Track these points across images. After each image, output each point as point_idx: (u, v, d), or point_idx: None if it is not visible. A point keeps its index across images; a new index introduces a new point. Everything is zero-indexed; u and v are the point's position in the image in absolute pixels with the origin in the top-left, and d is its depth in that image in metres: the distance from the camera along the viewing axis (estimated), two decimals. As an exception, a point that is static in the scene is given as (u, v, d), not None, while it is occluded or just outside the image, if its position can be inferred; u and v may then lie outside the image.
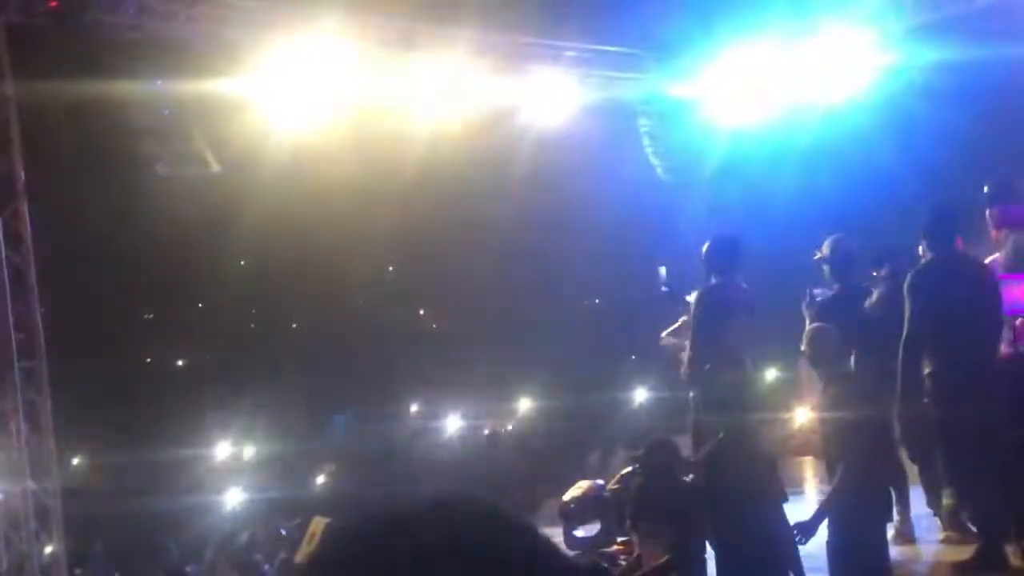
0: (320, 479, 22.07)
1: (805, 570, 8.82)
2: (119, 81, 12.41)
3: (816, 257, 10.71)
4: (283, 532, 15.37)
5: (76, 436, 18.89)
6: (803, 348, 9.56)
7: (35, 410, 12.30)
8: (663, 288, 12.23)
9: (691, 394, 10.56)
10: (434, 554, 1.52)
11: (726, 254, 10.45)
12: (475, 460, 20.20)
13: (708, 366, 10.17)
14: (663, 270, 12.80)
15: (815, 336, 9.34)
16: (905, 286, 9.17)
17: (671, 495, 9.40)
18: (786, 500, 8.83)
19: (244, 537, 19.97)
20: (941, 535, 10.19)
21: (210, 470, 23.57)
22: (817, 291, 10.83)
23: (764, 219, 15.22)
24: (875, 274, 10.81)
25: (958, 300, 8.97)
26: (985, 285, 9.13)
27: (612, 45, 15.57)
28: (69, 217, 14.82)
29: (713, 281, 10.15)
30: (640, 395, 22.49)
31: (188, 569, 16.10)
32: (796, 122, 15.67)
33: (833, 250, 10.67)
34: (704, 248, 11.18)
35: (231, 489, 22.59)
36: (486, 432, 21.09)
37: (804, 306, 10.75)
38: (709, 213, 16.79)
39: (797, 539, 8.55)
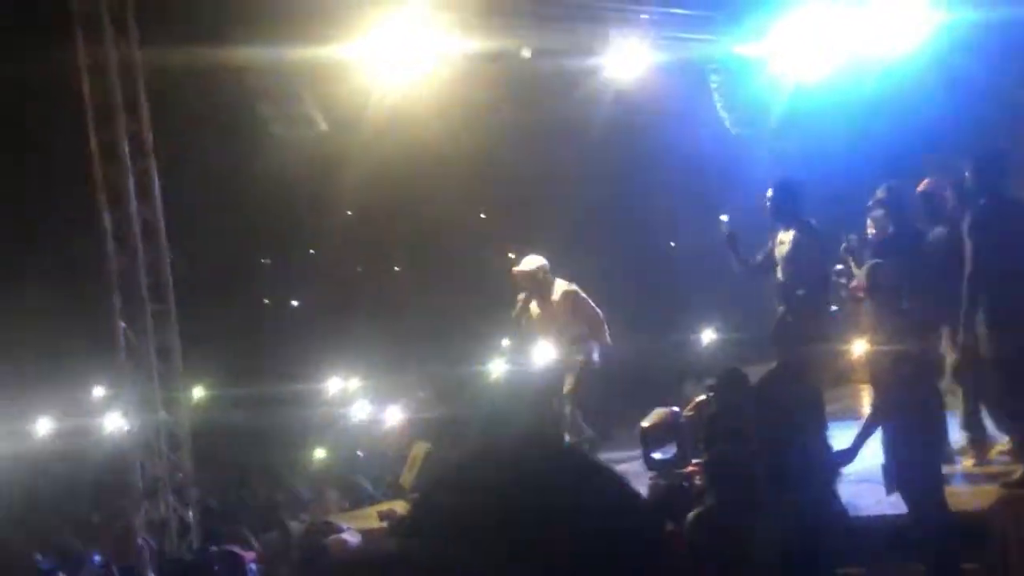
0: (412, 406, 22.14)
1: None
2: (236, 46, 12.52)
3: (871, 202, 10.69)
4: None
5: (202, 371, 19.17)
6: (859, 283, 9.56)
7: (166, 349, 12.55)
8: (725, 232, 12.33)
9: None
10: (519, 488, 1.58)
11: (790, 199, 10.52)
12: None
13: (801, 291, 10.38)
14: (725, 218, 12.85)
15: (873, 272, 9.34)
16: (965, 226, 9.16)
17: (738, 420, 9.45)
18: (826, 427, 8.83)
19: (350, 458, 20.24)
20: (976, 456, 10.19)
21: (323, 401, 23.82)
22: (853, 236, 10.87)
23: (822, 168, 15.11)
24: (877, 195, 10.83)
25: (1013, 239, 8.97)
26: None
27: (685, 9, 15.53)
28: (194, 173, 15.01)
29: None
30: (709, 335, 22.45)
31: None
32: (854, 77, 15.54)
33: (888, 194, 10.66)
34: (769, 193, 11.27)
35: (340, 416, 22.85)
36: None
37: (842, 249, 10.78)
38: (773, 162, 16.74)
39: (838, 463, 8.59)
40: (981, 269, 8.92)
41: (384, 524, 11.48)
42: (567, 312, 13.65)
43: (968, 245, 9.03)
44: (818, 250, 11.11)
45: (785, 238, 11.27)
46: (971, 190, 9.53)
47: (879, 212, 10.61)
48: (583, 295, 13.82)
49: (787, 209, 11.29)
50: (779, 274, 11.37)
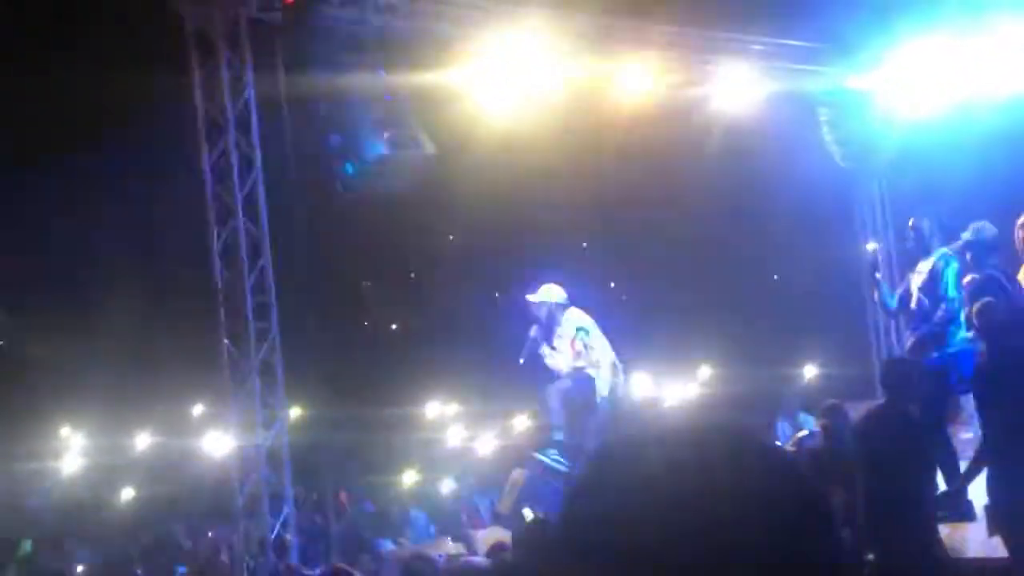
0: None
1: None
2: (345, 72, 12.66)
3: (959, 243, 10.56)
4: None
5: (301, 390, 19.31)
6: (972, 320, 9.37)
7: (268, 367, 12.63)
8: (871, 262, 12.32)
9: None
10: (688, 471, 1.54)
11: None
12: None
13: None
14: (872, 247, 12.82)
15: (984, 310, 9.16)
16: None
17: (840, 455, 9.34)
18: (932, 468, 8.69)
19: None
20: None
21: (420, 425, 23.92)
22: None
23: (939, 205, 14.91)
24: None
25: None
26: None
27: (796, 40, 15.43)
28: (302, 194, 15.14)
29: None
30: (810, 370, 22.20)
31: None
32: (970, 114, 15.30)
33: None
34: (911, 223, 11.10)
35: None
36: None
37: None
38: (885, 200, 16.56)
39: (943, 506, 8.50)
40: None
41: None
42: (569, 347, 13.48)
43: None
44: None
45: (923, 267, 11.10)
46: None
47: None
48: (587, 333, 13.52)
49: (930, 239, 11.09)
50: (913, 304, 11.20)
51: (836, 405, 11.08)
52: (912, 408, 9.26)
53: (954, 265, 10.81)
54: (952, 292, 10.77)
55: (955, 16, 14.38)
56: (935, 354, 10.72)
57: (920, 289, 11.07)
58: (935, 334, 10.84)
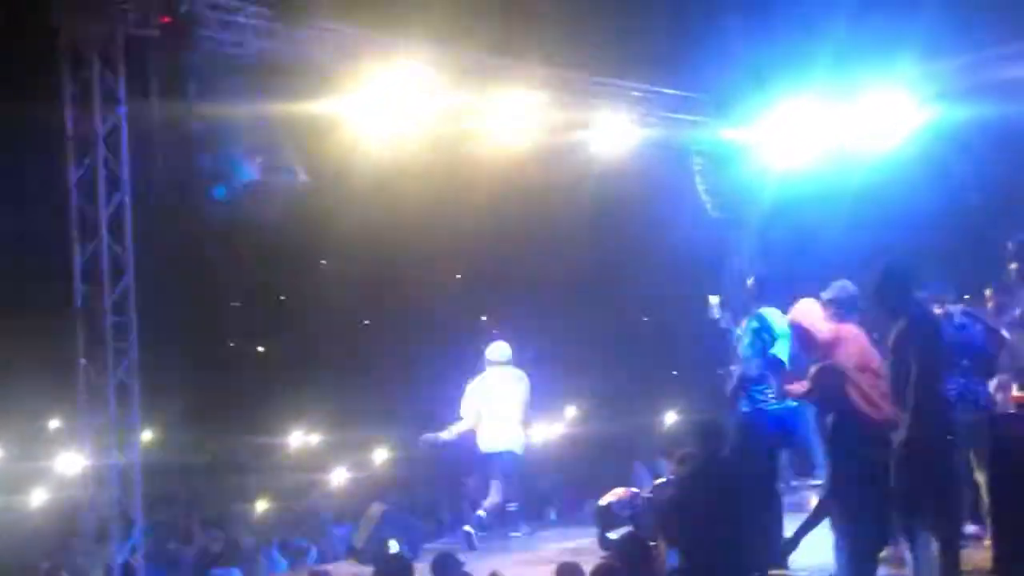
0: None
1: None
2: (220, 97, 12.59)
3: None
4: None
5: (157, 412, 19.09)
6: None
7: (126, 389, 12.47)
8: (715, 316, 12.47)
9: None
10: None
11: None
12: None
13: None
14: (714, 300, 13.00)
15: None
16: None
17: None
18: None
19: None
20: None
21: (282, 453, 23.75)
22: None
23: (811, 257, 15.24)
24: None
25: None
26: None
27: (672, 88, 15.72)
28: (171, 213, 15.00)
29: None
30: (671, 416, 22.50)
31: None
32: (842, 168, 15.73)
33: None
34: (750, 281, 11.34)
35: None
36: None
37: None
38: (760, 249, 16.85)
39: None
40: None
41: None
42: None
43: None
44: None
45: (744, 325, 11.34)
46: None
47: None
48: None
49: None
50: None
51: (690, 454, 11.25)
52: (729, 460, 9.53)
53: (752, 324, 11.07)
54: (746, 352, 11.09)
55: (826, 79, 14.82)
56: (745, 408, 11.03)
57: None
58: (735, 390, 11.17)
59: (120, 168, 12.44)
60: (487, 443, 14.32)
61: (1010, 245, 11.18)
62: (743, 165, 16.46)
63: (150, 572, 13.48)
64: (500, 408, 14.33)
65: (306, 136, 13.52)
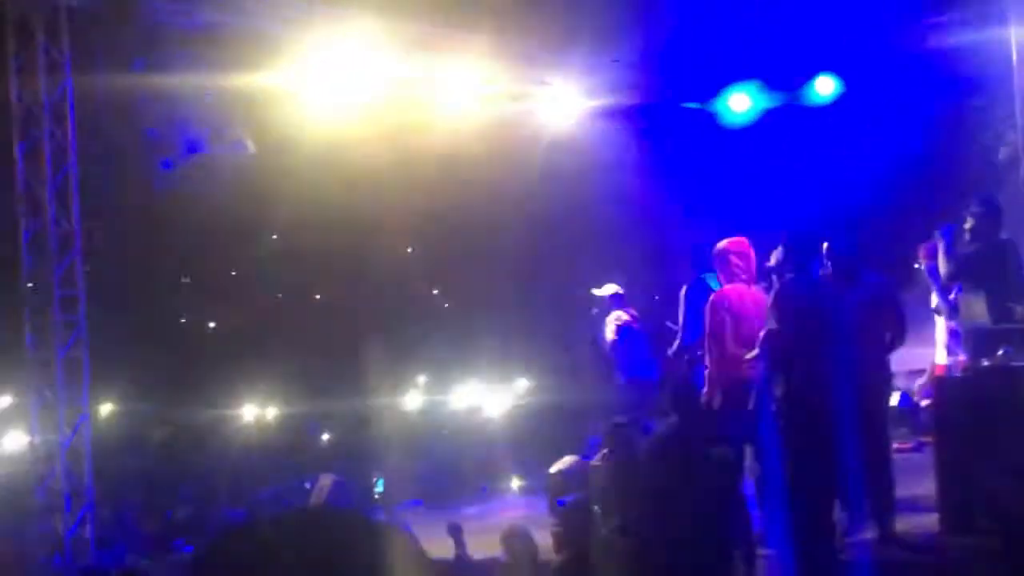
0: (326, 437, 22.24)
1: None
2: (167, 68, 12.57)
3: None
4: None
5: (109, 387, 19.02)
6: None
7: (75, 364, 12.46)
8: None
9: None
10: None
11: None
12: (476, 434, 20.46)
13: None
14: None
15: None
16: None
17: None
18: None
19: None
20: None
21: (237, 427, 23.64)
22: None
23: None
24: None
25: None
26: None
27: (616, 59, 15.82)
28: (119, 188, 14.94)
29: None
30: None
31: None
32: (778, 123, 16.05)
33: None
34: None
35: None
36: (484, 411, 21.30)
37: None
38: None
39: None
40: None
41: None
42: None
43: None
44: None
45: None
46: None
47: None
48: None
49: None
50: None
51: (621, 423, 11.38)
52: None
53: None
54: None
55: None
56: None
57: None
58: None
59: (67, 140, 12.41)
60: None
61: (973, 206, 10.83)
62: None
63: (114, 547, 13.49)
64: None
65: (254, 108, 13.50)
